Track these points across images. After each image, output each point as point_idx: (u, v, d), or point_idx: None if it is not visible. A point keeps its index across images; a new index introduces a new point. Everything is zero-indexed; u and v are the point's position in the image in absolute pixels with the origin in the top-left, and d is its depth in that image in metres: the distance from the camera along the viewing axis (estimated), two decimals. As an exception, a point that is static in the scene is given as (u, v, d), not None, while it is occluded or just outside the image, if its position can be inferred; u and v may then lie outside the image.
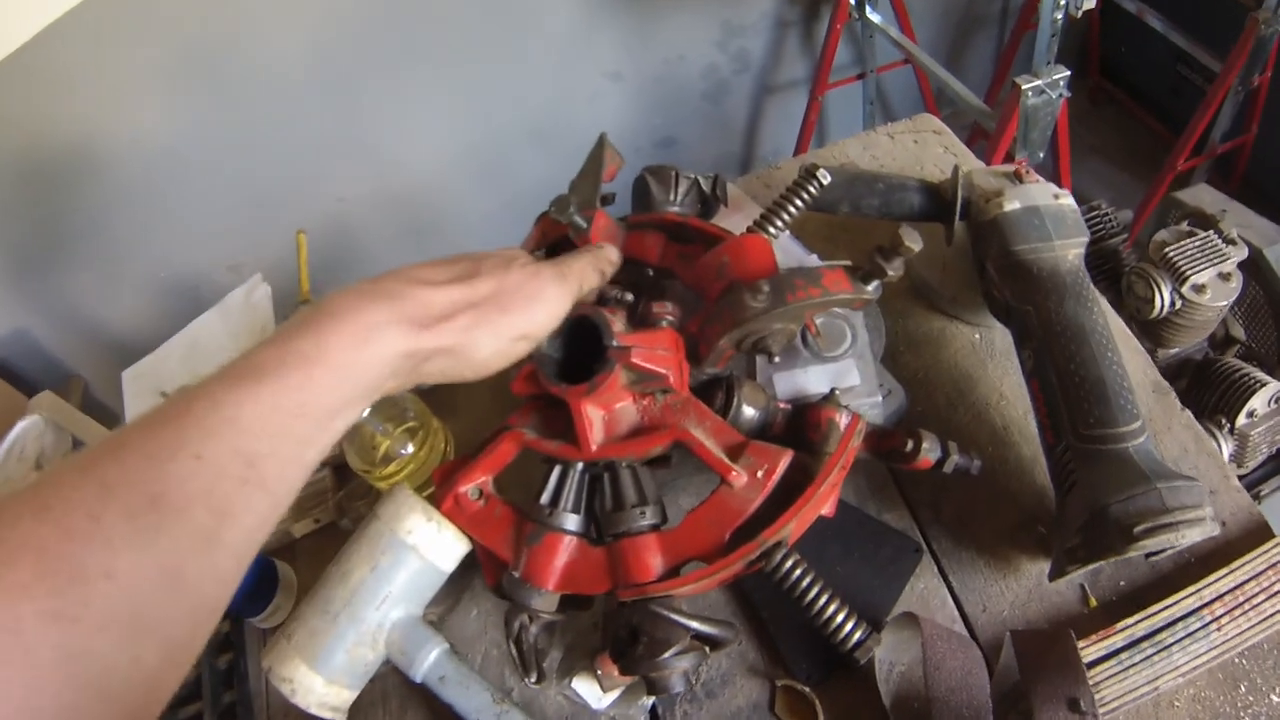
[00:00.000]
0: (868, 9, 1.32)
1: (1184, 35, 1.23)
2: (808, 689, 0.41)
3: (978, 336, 0.48)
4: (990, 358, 0.48)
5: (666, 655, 0.35)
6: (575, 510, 0.38)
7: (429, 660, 0.39)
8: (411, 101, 1.24)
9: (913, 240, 0.38)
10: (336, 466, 0.53)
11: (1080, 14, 0.94)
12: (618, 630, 0.37)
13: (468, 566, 0.42)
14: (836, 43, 1.34)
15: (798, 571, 0.36)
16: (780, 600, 0.38)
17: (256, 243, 1.13)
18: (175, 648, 0.23)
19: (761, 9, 1.37)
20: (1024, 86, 1.00)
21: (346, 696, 0.40)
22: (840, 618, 0.36)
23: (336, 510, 0.52)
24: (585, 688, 0.42)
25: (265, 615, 0.49)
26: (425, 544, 0.40)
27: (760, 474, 0.36)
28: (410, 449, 0.47)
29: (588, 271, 0.36)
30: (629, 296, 0.40)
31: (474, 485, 0.40)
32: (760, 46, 1.43)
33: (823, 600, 0.36)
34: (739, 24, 1.37)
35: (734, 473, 0.36)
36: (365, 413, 0.38)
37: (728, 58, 1.42)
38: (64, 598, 0.19)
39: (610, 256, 0.38)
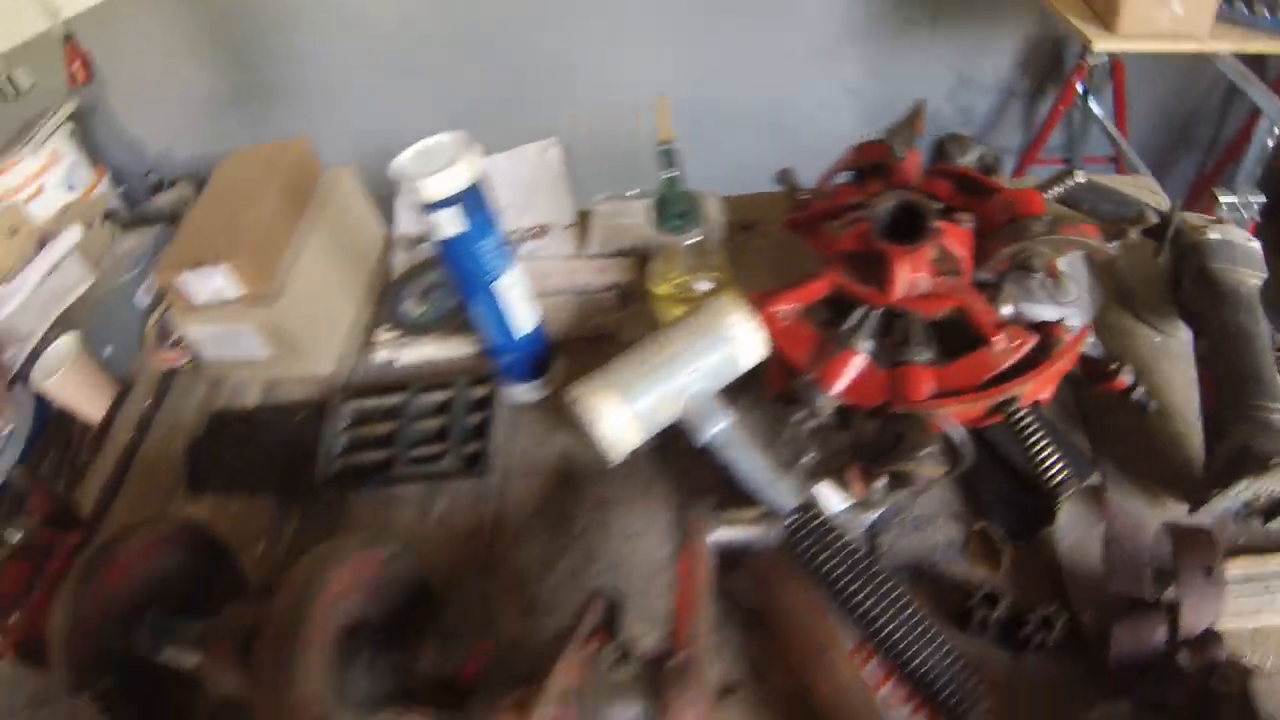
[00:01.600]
0: (1091, 99, 1.63)
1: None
2: (997, 538, 0.61)
3: (1158, 339, 0.69)
4: (1165, 357, 0.67)
5: (921, 453, 0.56)
6: (870, 339, 0.60)
7: (719, 427, 0.57)
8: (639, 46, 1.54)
9: (1151, 216, 0.62)
10: (623, 294, 0.76)
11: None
12: (885, 434, 0.58)
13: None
14: (1055, 123, 1.65)
15: (1030, 418, 0.57)
16: (993, 464, 0.59)
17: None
18: None
19: (998, 73, 1.72)
20: (1221, 199, 1.26)
21: (637, 438, 0.57)
22: (1054, 458, 0.54)
23: (616, 325, 0.73)
24: (828, 492, 0.61)
25: (534, 386, 0.70)
26: (738, 339, 0.59)
27: (1015, 343, 0.59)
28: (708, 286, 0.68)
29: None
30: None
31: (787, 308, 0.63)
32: (986, 106, 1.79)
33: (1043, 443, 0.56)
34: (973, 80, 1.73)
35: (998, 337, 0.59)
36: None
37: (954, 109, 1.78)
38: None
39: None
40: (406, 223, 0.86)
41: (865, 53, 1.69)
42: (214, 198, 0.76)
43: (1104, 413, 0.63)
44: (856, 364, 0.58)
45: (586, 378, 0.57)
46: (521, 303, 0.63)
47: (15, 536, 0.60)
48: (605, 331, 0.73)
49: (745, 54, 1.66)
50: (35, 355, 0.82)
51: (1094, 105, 1.64)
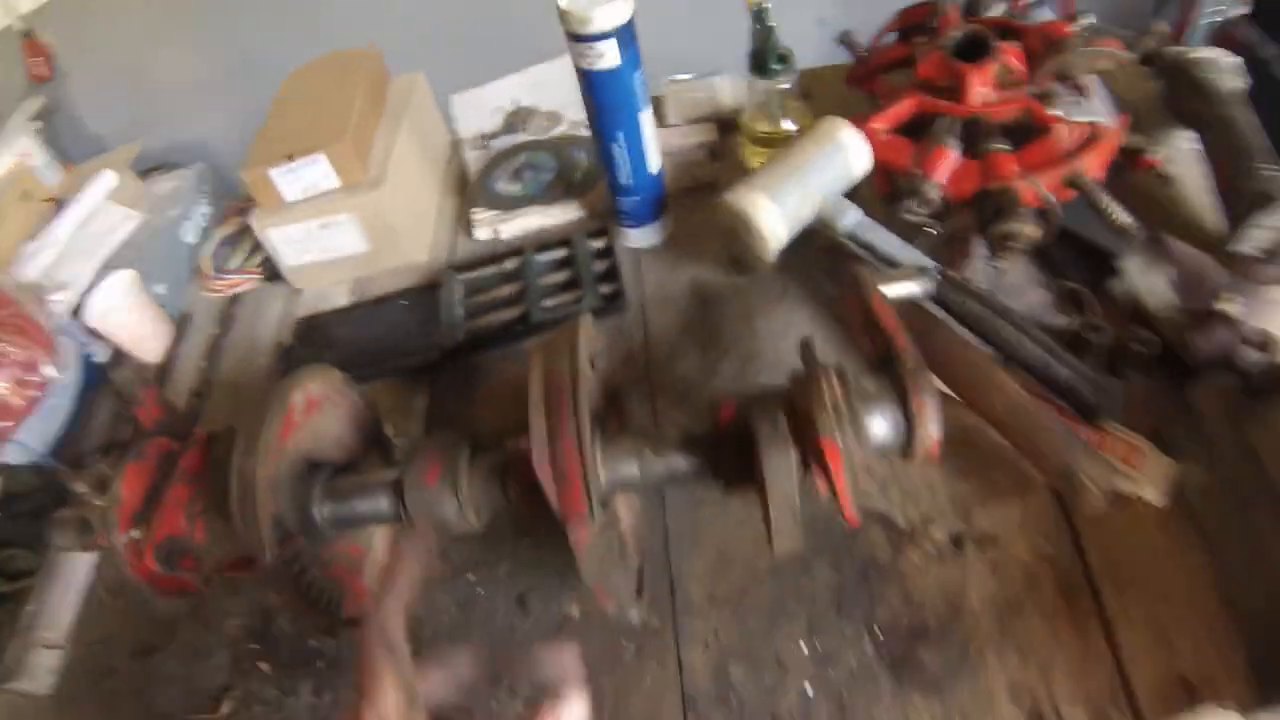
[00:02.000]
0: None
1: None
2: (1083, 292, 0.73)
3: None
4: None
5: (1021, 214, 0.68)
6: (956, 140, 0.73)
7: (853, 219, 0.69)
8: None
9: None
10: (711, 151, 0.85)
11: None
12: (985, 209, 0.70)
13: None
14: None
15: (1095, 185, 0.71)
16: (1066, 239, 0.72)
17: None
18: None
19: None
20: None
21: (785, 233, 0.67)
22: (1122, 211, 0.67)
23: (712, 177, 0.83)
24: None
25: (653, 229, 0.78)
26: (850, 148, 0.69)
27: (1075, 132, 0.73)
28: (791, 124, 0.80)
29: None
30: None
31: (882, 125, 0.74)
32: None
33: (1111, 204, 0.68)
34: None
35: (1058, 126, 0.72)
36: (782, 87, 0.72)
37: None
38: None
39: None
40: (470, 125, 0.94)
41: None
42: (290, 102, 0.80)
43: (1141, 194, 0.78)
44: (950, 158, 0.70)
45: (735, 186, 0.66)
46: (654, 140, 0.72)
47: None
48: (703, 183, 0.82)
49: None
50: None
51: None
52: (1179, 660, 0.52)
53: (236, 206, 0.93)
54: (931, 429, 0.50)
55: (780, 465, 0.47)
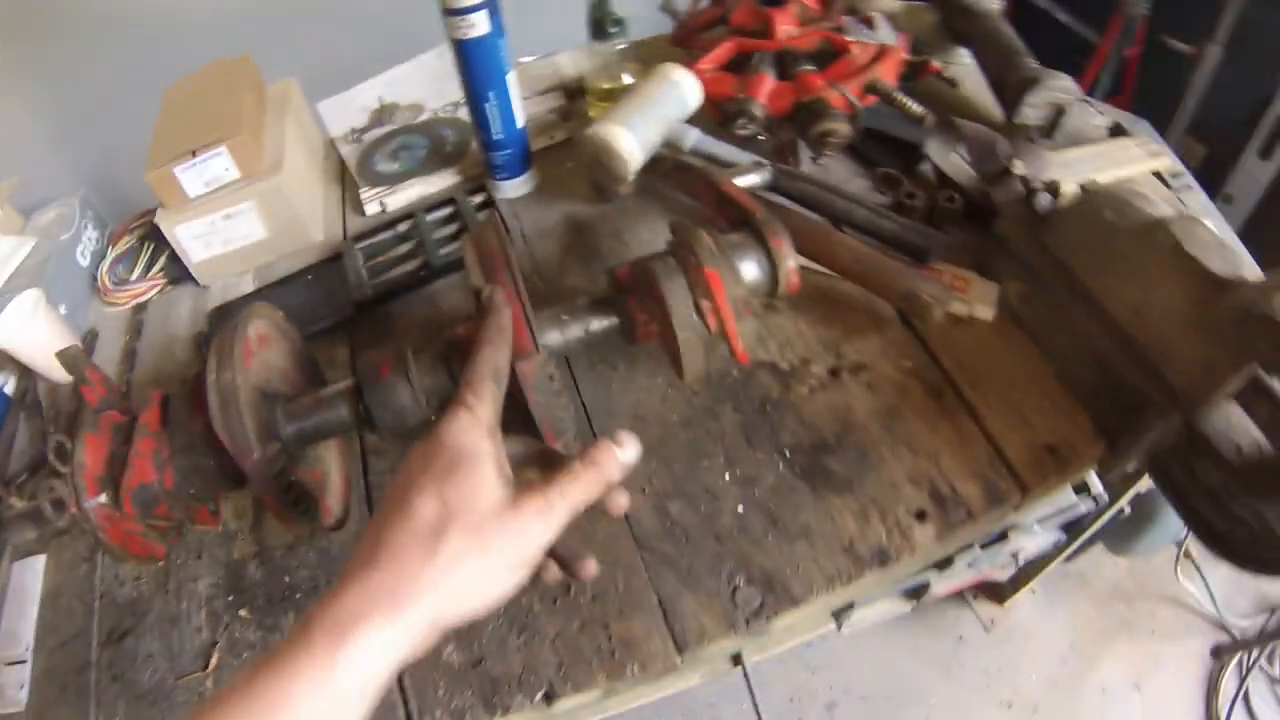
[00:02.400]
0: None
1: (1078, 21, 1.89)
2: (895, 172, 0.88)
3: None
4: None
5: (831, 115, 0.84)
6: (771, 69, 0.87)
7: (695, 137, 0.82)
8: None
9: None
10: (560, 114, 0.97)
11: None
12: (801, 116, 0.84)
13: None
14: None
15: (888, 86, 0.87)
16: (873, 136, 0.88)
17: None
18: None
19: None
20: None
21: (640, 156, 0.79)
22: (914, 105, 0.84)
23: (565, 133, 0.95)
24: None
25: (524, 180, 0.89)
26: (683, 83, 0.82)
27: (867, 51, 0.89)
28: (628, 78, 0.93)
29: (589, 498, 0.42)
30: None
31: (708, 65, 0.88)
32: None
33: (904, 98, 0.86)
34: None
35: (853, 47, 0.89)
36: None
37: None
38: None
39: (626, 461, 0.44)
40: (340, 125, 1.05)
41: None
42: (178, 108, 0.86)
43: (933, 96, 0.96)
44: (768, 82, 0.85)
45: (603, 117, 0.78)
46: (519, 97, 0.83)
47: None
48: (558, 141, 0.96)
49: None
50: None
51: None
52: (1038, 431, 0.65)
53: (125, 227, 0.96)
54: (790, 262, 0.62)
55: (678, 291, 0.57)
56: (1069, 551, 1.13)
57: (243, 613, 0.66)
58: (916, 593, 0.97)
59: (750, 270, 0.62)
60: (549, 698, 0.57)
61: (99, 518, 0.56)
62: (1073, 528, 1.03)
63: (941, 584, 0.97)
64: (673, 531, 0.64)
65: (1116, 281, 0.65)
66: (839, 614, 0.92)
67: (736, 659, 0.80)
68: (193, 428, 0.57)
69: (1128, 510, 1.00)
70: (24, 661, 0.67)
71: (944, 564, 0.90)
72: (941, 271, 0.76)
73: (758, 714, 1.05)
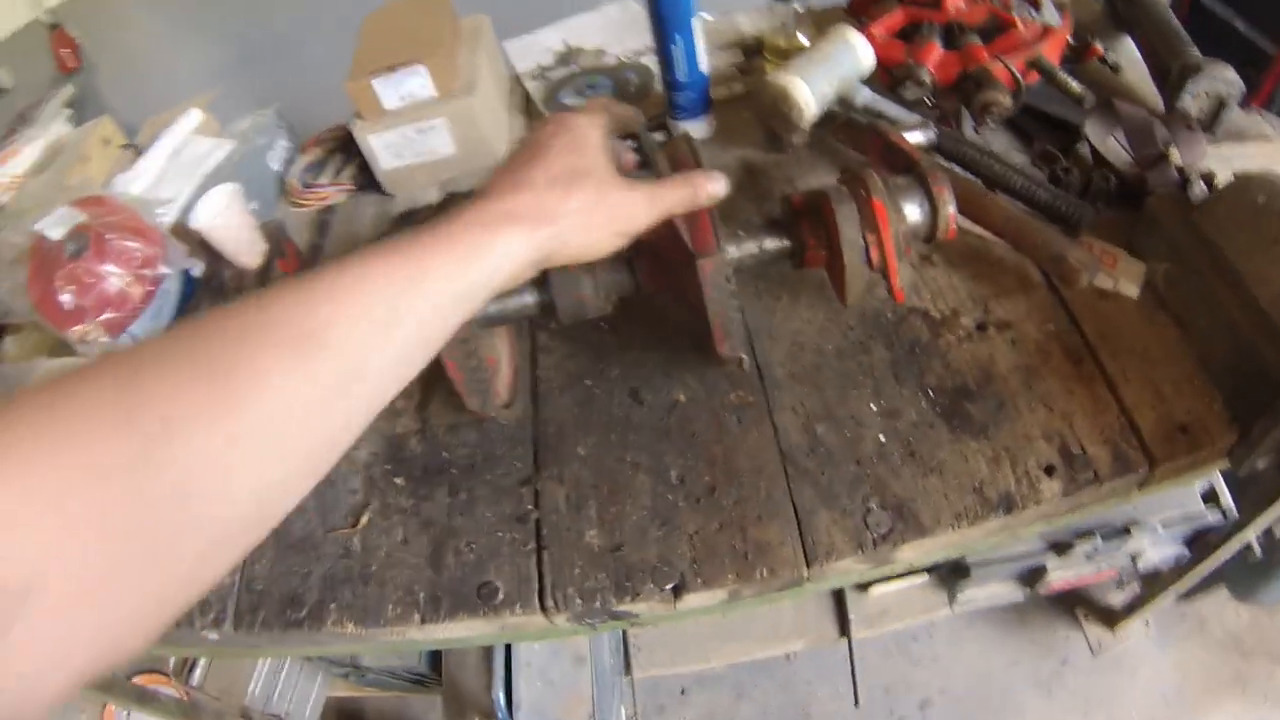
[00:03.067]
0: None
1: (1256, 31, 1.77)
2: (1054, 147, 0.92)
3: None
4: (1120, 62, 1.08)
5: (994, 85, 0.87)
6: (939, 39, 0.92)
7: (867, 95, 0.87)
8: None
9: None
10: (739, 69, 1.04)
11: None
12: (967, 84, 0.88)
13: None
14: None
15: (1053, 65, 0.90)
16: (1032, 113, 0.91)
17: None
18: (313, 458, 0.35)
19: None
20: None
21: (815, 108, 0.85)
22: (1077, 85, 0.88)
23: (743, 88, 1.02)
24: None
25: (702, 123, 0.96)
26: (857, 45, 0.88)
27: (1032, 27, 0.92)
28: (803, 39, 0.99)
29: (681, 203, 0.55)
30: None
31: (880, 31, 0.93)
32: None
33: (1068, 78, 0.88)
34: None
35: (1019, 22, 0.92)
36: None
37: None
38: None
39: (714, 191, 0.57)
40: (526, 63, 1.14)
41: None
42: (378, 30, 0.96)
43: (1094, 78, 0.98)
44: (936, 50, 0.89)
45: (782, 67, 0.84)
46: (704, 42, 0.89)
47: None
48: (737, 95, 1.03)
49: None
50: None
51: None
52: (1172, 409, 0.68)
53: (316, 138, 1.08)
54: (949, 208, 0.67)
55: (849, 215, 0.63)
56: (1191, 578, 1.12)
57: (398, 480, 0.74)
58: (1031, 578, 0.99)
59: (913, 212, 0.67)
60: (678, 590, 0.63)
61: None
62: (1196, 543, 1.03)
63: (1058, 572, 0.98)
64: (817, 450, 0.69)
65: (1266, 263, 0.66)
66: (953, 586, 0.94)
67: (844, 627, 0.84)
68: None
69: (1258, 552, 0.98)
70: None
71: (1063, 548, 0.92)
72: (1091, 244, 0.79)
73: (856, 697, 1.06)
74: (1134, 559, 0.98)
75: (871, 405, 0.71)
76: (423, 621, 0.65)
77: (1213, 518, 0.84)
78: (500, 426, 0.75)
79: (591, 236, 0.50)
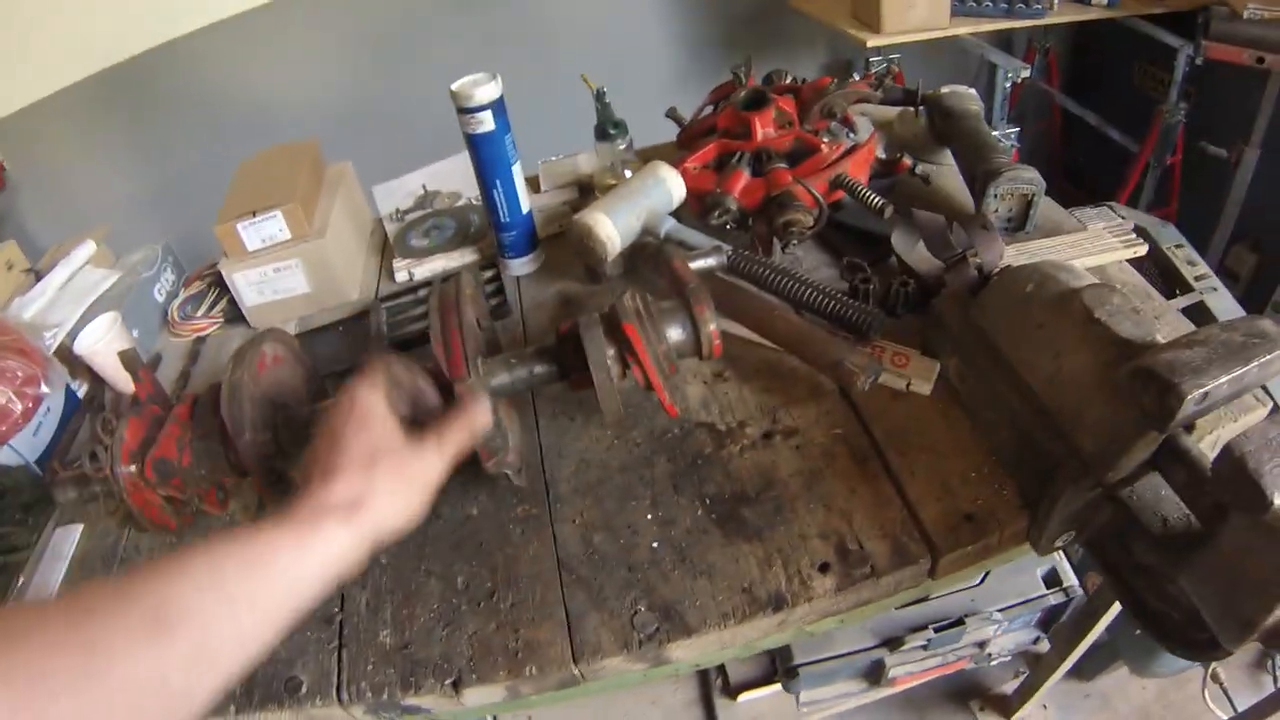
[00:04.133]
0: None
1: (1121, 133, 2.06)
2: (859, 261, 1.00)
3: (932, 168, 1.19)
4: (937, 173, 1.16)
5: (796, 206, 0.97)
6: (747, 167, 1.02)
7: (670, 224, 0.98)
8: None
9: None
10: (571, 206, 1.15)
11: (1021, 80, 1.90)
12: (770, 207, 0.98)
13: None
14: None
15: (858, 183, 1.00)
16: (839, 226, 1.01)
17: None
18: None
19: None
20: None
21: (619, 242, 0.95)
22: (878, 200, 0.96)
23: (569, 224, 1.12)
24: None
25: (529, 260, 1.06)
26: (668, 179, 1.00)
27: (836, 148, 1.02)
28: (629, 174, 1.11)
29: (464, 439, 0.62)
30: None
31: (694, 164, 1.04)
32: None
33: (870, 194, 0.96)
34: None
35: (823, 146, 1.02)
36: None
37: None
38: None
39: (483, 421, 0.64)
40: (388, 205, 1.28)
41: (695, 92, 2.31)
42: (248, 178, 1.10)
43: (906, 190, 1.08)
44: (743, 178, 1.00)
45: (590, 206, 0.95)
46: (523, 186, 1.01)
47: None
48: (566, 229, 1.12)
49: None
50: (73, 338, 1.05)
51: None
52: (958, 500, 0.73)
53: (198, 273, 1.21)
54: (710, 326, 0.75)
55: (595, 339, 0.71)
56: (1072, 660, 1.14)
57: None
58: (874, 674, 1.02)
59: (675, 332, 0.76)
60: (456, 685, 0.69)
61: (126, 483, 0.73)
62: (1050, 625, 1.05)
63: (899, 667, 1.01)
64: (592, 557, 0.75)
65: (1032, 351, 0.71)
66: (787, 681, 0.98)
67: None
68: (211, 421, 0.74)
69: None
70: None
71: (894, 643, 0.96)
72: (883, 349, 0.86)
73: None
74: (982, 646, 1.01)
75: (649, 515, 0.78)
76: (237, 711, 0.71)
77: (1055, 600, 0.87)
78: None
79: (403, 505, 0.56)
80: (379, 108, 2.16)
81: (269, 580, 0.46)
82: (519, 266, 1.08)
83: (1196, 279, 1.12)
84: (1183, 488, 0.59)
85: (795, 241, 0.97)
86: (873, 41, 2.01)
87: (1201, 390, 0.52)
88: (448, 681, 0.69)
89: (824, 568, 0.71)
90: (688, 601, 0.70)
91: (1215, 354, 0.55)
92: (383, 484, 0.54)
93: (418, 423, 0.63)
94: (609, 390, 0.72)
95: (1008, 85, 2.02)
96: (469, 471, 0.83)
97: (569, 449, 0.85)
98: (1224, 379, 0.53)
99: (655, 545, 0.75)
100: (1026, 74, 1.97)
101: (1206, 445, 0.69)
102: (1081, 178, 2.64)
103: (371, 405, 0.59)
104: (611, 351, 0.72)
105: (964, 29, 2.03)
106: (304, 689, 0.71)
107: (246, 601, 0.44)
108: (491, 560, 0.77)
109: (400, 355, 0.71)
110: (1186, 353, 0.55)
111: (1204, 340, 0.56)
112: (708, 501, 0.78)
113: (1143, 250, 0.99)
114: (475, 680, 0.69)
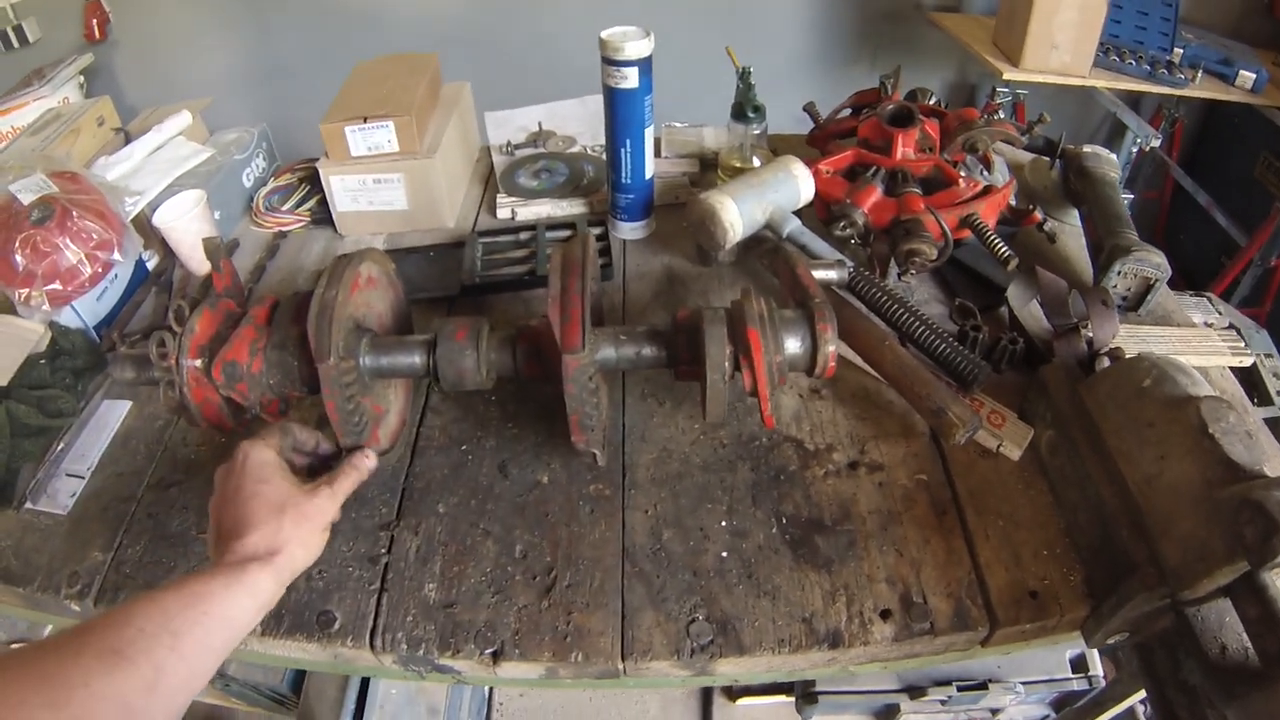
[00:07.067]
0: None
1: (1232, 222, 2.02)
2: (971, 307, 0.99)
3: (1057, 223, 1.16)
4: (1062, 232, 1.12)
5: (922, 235, 0.95)
6: (881, 184, 1.00)
7: (794, 225, 0.96)
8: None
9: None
10: (690, 179, 1.14)
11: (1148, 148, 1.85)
12: (897, 231, 0.96)
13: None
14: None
15: (986, 226, 0.98)
16: (961, 267, 1.00)
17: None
18: None
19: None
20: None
21: (741, 230, 0.94)
22: (1004, 248, 0.94)
23: (688, 195, 1.10)
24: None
25: (640, 226, 1.05)
26: (800, 178, 0.98)
27: (972, 186, 1.01)
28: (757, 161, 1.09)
29: (353, 484, 0.69)
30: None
31: (827, 167, 1.02)
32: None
33: (997, 240, 0.94)
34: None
35: (960, 180, 1.00)
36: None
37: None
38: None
39: (369, 466, 0.72)
40: (499, 136, 1.25)
41: (815, 80, 2.29)
42: (362, 80, 1.07)
43: (1031, 245, 1.06)
44: (875, 194, 0.98)
45: (716, 189, 0.93)
46: (651, 152, 0.99)
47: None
48: (682, 201, 1.12)
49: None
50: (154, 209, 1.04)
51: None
52: (1026, 574, 0.73)
53: (289, 166, 1.19)
54: (830, 346, 0.74)
55: (716, 337, 0.70)
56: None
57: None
58: (886, 715, 1.03)
59: (793, 344, 0.74)
60: (496, 656, 0.69)
61: (189, 376, 0.71)
62: (1063, 706, 1.06)
63: (914, 715, 1.02)
64: (658, 554, 0.75)
65: (1136, 445, 0.70)
66: (803, 705, 0.98)
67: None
68: (290, 331, 0.72)
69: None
70: (82, 478, 0.84)
71: (916, 691, 0.96)
72: (981, 403, 0.85)
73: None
74: (995, 713, 1.02)
75: (722, 522, 0.77)
76: (262, 634, 0.71)
77: (1078, 685, 0.87)
78: (377, 471, 0.82)
79: (310, 547, 0.64)
80: (499, 34, 2.12)
81: (207, 617, 0.54)
82: (629, 231, 1.06)
83: (1279, 393, 1.11)
84: (1252, 623, 0.59)
85: (914, 272, 0.96)
86: (1008, 75, 1.98)
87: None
88: (488, 650, 0.69)
89: (885, 614, 0.71)
90: (747, 620, 0.70)
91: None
92: (291, 532, 0.62)
93: (313, 471, 0.72)
94: (719, 391, 0.71)
95: (1133, 149, 1.98)
96: (544, 433, 0.83)
97: (653, 435, 0.85)
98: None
99: (724, 555, 0.75)
100: (1157, 144, 1.93)
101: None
102: (1180, 256, 2.59)
103: (265, 461, 0.66)
104: (728, 350, 0.71)
105: (1100, 82, 1.99)
106: (337, 625, 0.71)
107: (189, 635, 0.52)
108: (555, 534, 0.76)
109: (297, 424, 0.73)
110: (1297, 495, 0.54)
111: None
112: (783, 520, 0.77)
113: (1248, 362, 0.98)
114: (517, 655, 0.69)
